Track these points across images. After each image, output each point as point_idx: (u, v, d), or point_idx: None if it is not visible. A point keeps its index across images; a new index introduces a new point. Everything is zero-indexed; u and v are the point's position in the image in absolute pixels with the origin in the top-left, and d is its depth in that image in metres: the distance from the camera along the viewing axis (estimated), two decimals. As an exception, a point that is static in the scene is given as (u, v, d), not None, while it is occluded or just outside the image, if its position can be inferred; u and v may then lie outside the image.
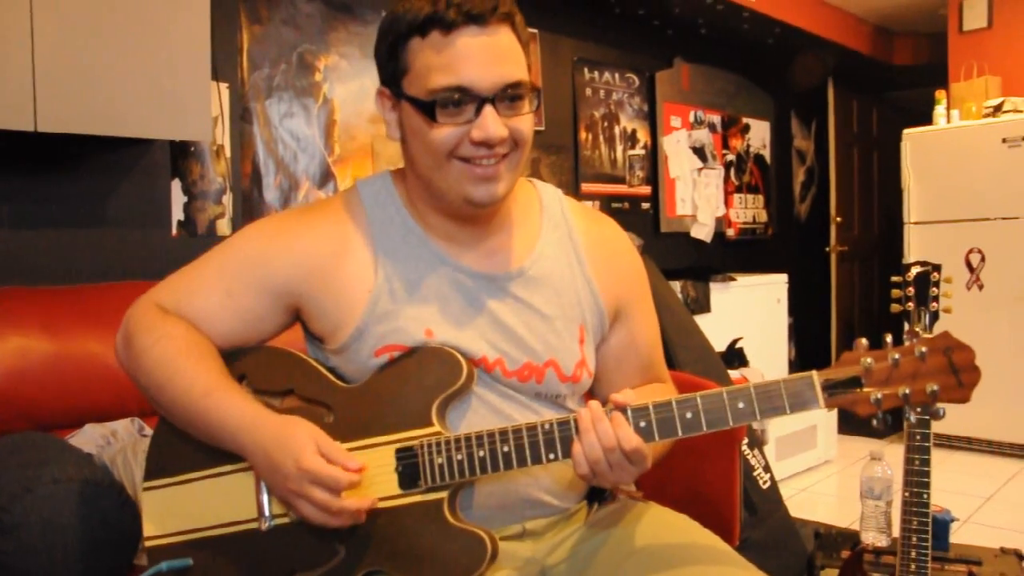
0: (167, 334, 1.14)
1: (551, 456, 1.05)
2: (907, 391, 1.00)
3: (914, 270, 1.66)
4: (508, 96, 1.08)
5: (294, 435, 1.05)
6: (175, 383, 1.11)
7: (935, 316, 1.64)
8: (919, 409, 1.02)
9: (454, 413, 1.13)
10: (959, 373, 0.99)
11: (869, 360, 1.00)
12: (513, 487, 1.15)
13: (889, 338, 1.03)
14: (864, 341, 1.02)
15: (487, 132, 1.06)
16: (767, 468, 2.51)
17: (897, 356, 1.00)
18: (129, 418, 1.95)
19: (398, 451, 1.08)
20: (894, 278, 1.68)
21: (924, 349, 0.99)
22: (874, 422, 1.02)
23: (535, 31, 3.85)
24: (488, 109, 1.06)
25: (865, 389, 1.00)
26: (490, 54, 1.06)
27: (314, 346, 1.22)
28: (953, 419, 4.09)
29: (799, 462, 3.95)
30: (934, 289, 1.64)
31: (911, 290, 1.65)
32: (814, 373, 1.00)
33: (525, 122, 1.11)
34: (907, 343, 1.01)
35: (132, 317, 1.18)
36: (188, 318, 1.16)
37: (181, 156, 2.62)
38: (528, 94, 1.10)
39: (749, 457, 2.44)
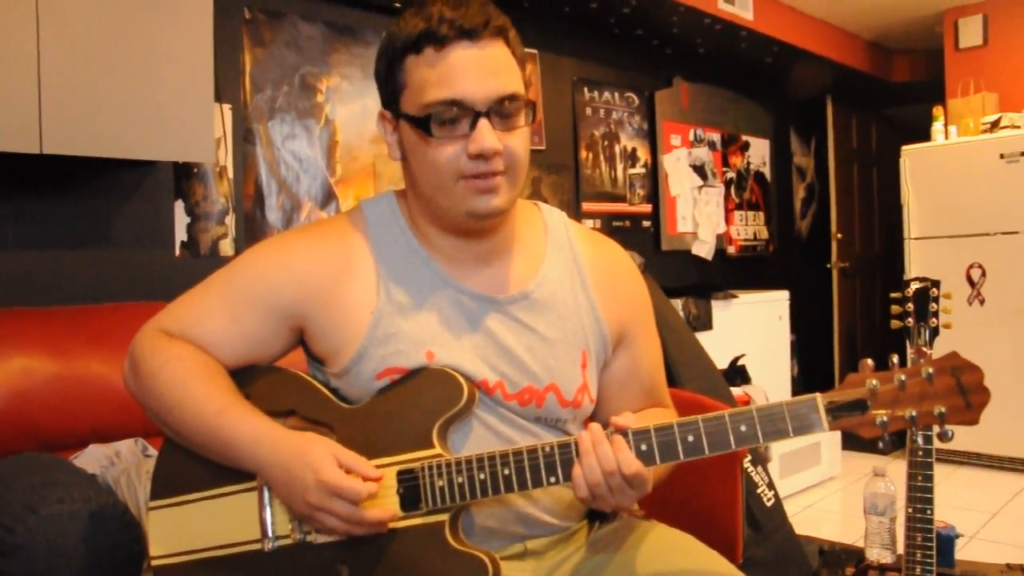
0: (175, 356, 1.14)
1: (552, 479, 1.05)
2: (914, 413, 0.98)
3: (913, 286, 1.67)
4: (503, 111, 1.08)
5: (312, 449, 1.06)
6: (186, 405, 1.11)
7: (935, 332, 1.64)
8: (926, 431, 1.01)
9: (456, 436, 1.13)
10: (967, 394, 0.97)
11: (875, 382, 0.98)
12: (513, 507, 1.14)
13: (896, 359, 1.01)
14: (870, 362, 1.00)
15: (482, 145, 1.06)
16: (771, 485, 2.50)
17: (903, 378, 0.98)
18: (133, 438, 1.95)
19: (400, 473, 1.08)
20: (893, 294, 1.68)
21: (931, 370, 0.97)
22: (880, 444, 1.00)
23: (535, 51, 3.88)
24: (483, 122, 1.06)
25: (871, 412, 0.98)
26: (483, 67, 1.07)
27: (316, 369, 1.22)
28: (958, 435, 4.06)
29: (803, 479, 3.93)
30: (933, 305, 1.64)
31: (911, 306, 1.66)
32: (818, 396, 0.99)
33: (521, 137, 1.11)
34: (913, 364, 0.99)
35: (138, 344, 1.18)
36: (194, 344, 1.17)
37: (184, 177, 2.63)
38: (523, 108, 1.10)
39: (753, 474, 2.43)
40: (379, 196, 1.24)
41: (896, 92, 6.01)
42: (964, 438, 4.26)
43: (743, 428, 1.00)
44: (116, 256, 2.47)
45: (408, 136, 1.12)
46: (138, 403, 1.19)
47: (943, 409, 0.97)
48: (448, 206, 1.12)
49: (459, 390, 1.10)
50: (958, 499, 3.74)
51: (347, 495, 1.03)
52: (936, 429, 0.99)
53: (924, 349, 1.58)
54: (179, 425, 1.13)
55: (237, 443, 1.09)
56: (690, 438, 1.02)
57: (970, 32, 4.82)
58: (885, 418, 0.98)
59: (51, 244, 2.34)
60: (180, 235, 2.63)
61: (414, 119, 1.09)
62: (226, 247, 2.74)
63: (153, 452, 1.92)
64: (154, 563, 1.17)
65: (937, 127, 4.54)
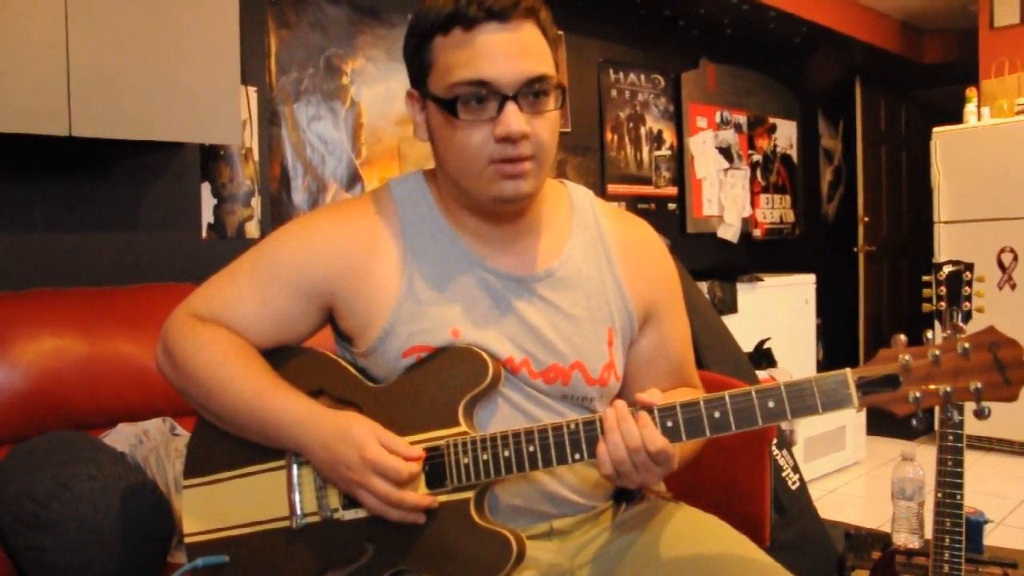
0: (210, 339, 1.15)
1: (576, 456, 1.05)
2: (948, 389, 0.94)
3: (946, 269, 1.64)
4: (532, 92, 1.07)
5: (355, 427, 1.07)
6: (225, 387, 1.12)
7: (967, 316, 1.61)
8: (957, 411, 0.98)
9: (481, 413, 1.13)
10: (1006, 370, 0.93)
11: (907, 357, 0.95)
12: (539, 486, 1.14)
13: (931, 334, 0.98)
14: (903, 337, 0.97)
15: (509, 128, 1.04)
16: (796, 469, 2.49)
17: (938, 353, 0.95)
18: (161, 417, 1.97)
19: (425, 450, 1.09)
20: (925, 278, 1.66)
21: (967, 345, 0.94)
22: (913, 422, 0.97)
23: (560, 32, 3.86)
24: (510, 106, 1.05)
25: (903, 388, 0.95)
26: (512, 49, 1.05)
27: (344, 348, 1.22)
28: (987, 420, 4.02)
29: (828, 463, 3.91)
30: (966, 288, 1.62)
31: (943, 289, 1.63)
32: (848, 371, 0.97)
33: (549, 121, 1.09)
34: (948, 339, 0.96)
35: (170, 328, 1.19)
36: (225, 327, 1.18)
37: (210, 159, 2.65)
38: (552, 90, 1.09)
39: (778, 458, 2.42)
40: (407, 175, 1.24)
41: (927, 73, 5.91)
42: (992, 424, 4.20)
43: (771, 404, 0.99)
44: (144, 238, 2.49)
45: (435, 117, 1.11)
46: (174, 388, 1.20)
47: (979, 385, 0.94)
48: (475, 190, 1.11)
49: (484, 368, 1.10)
50: (985, 485, 3.71)
51: (390, 474, 1.04)
52: (972, 406, 0.96)
53: (960, 324, 1.55)
54: (219, 408, 1.14)
55: (279, 423, 1.10)
56: (716, 414, 1.00)
57: (1007, 10, 4.71)
58: (918, 394, 0.95)
59: (80, 226, 2.36)
60: (207, 217, 2.65)
61: (441, 100, 1.08)
62: (252, 229, 2.75)
63: (181, 431, 1.94)
64: (187, 540, 1.19)
65: (970, 108, 4.46)
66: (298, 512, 1.13)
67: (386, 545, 1.10)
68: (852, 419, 4.03)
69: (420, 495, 1.07)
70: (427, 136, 1.16)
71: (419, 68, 1.12)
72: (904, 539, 1.96)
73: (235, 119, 2.30)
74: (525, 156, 1.07)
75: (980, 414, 0.96)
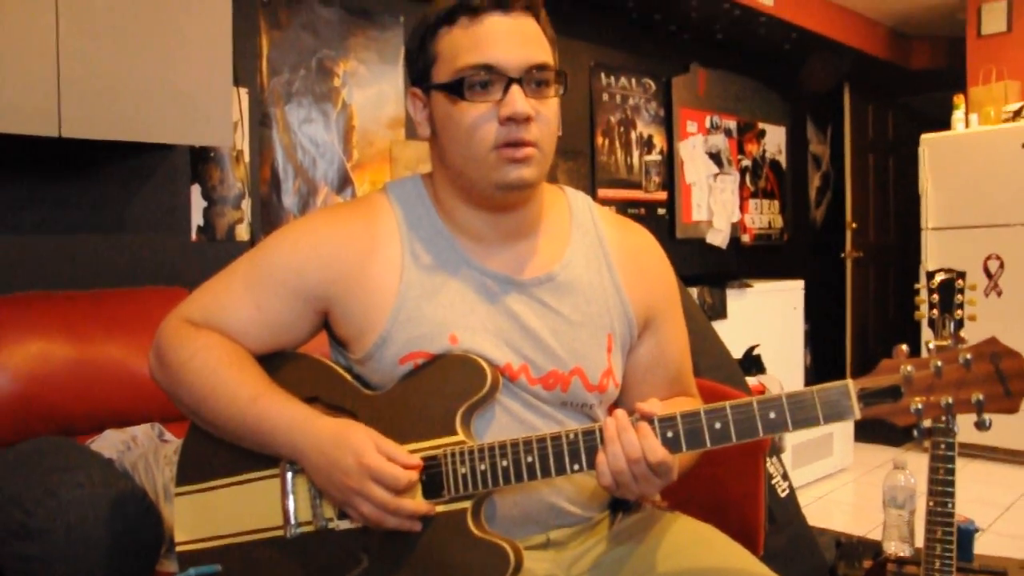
0: (203, 345, 1.13)
1: (575, 467, 1.04)
2: (950, 400, 0.94)
3: (939, 277, 1.65)
4: (535, 79, 1.09)
5: (353, 433, 1.06)
6: (219, 393, 1.11)
7: (959, 324, 1.62)
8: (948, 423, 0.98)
9: (479, 422, 1.12)
10: (1007, 381, 0.93)
11: (909, 368, 0.95)
12: (536, 496, 1.14)
13: (932, 344, 0.98)
14: (904, 348, 0.97)
15: (514, 108, 1.06)
16: (785, 476, 2.49)
17: (940, 363, 0.95)
18: (149, 423, 1.95)
19: (422, 460, 1.08)
20: (917, 285, 1.67)
21: (969, 356, 0.94)
22: (914, 433, 0.98)
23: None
24: (515, 88, 1.07)
25: (905, 399, 0.95)
26: (516, 36, 1.09)
27: (339, 354, 1.21)
28: (972, 428, 4.04)
29: (815, 470, 3.92)
30: (959, 296, 1.62)
31: (935, 297, 1.64)
32: (849, 382, 0.97)
33: (552, 106, 1.12)
34: (949, 349, 0.96)
35: (163, 334, 1.18)
36: (220, 332, 1.16)
37: (201, 161, 2.63)
38: (555, 78, 1.12)
39: (768, 465, 2.42)
40: (404, 178, 1.24)
41: (915, 80, 5.95)
42: (979, 432, 4.22)
43: (772, 415, 0.98)
44: (133, 240, 2.47)
45: (440, 107, 1.12)
46: (167, 395, 1.18)
47: (981, 397, 0.94)
48: (478, 177, 1.11)
49: (482, 376, 1.09)
50: (972, 492, 3.73)
51: (388, 481, 1.03)
52: (974, 418, 0.96)
53: (961, 335, 1.55)
54: (212, 415, 1.13)
55: (274, 429, 1.09)
56: (717, 425, 1.00)
57: (994, 18, 4.75)
58: (920, 405, 0.95)
59: (68, 228, 2.33)
60: (196, 219, 2.62)
61: (446, 85, 1.09)
62: (242, 232, 2.73)
63: (170, 437, 1.93)
64: (179, 548, 1.18)
65: (958, 115, 4.49)
66: (292, 521, 1.12)
67: (381, 555, 1.09)
68: (840, 425, 4.04)
69: (418, 502, 1.06)
70: (429, 132, 1.16)
71: (423, 63, 1.13)
72: (895, 547, 1.96)
73: (226, 121, 2.28)
74: (529, 140, 1.09)
75: (981, 426, 0.96)
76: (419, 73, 1.15)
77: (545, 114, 1.10)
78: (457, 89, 1.08)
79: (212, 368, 1.12)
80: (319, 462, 1.06)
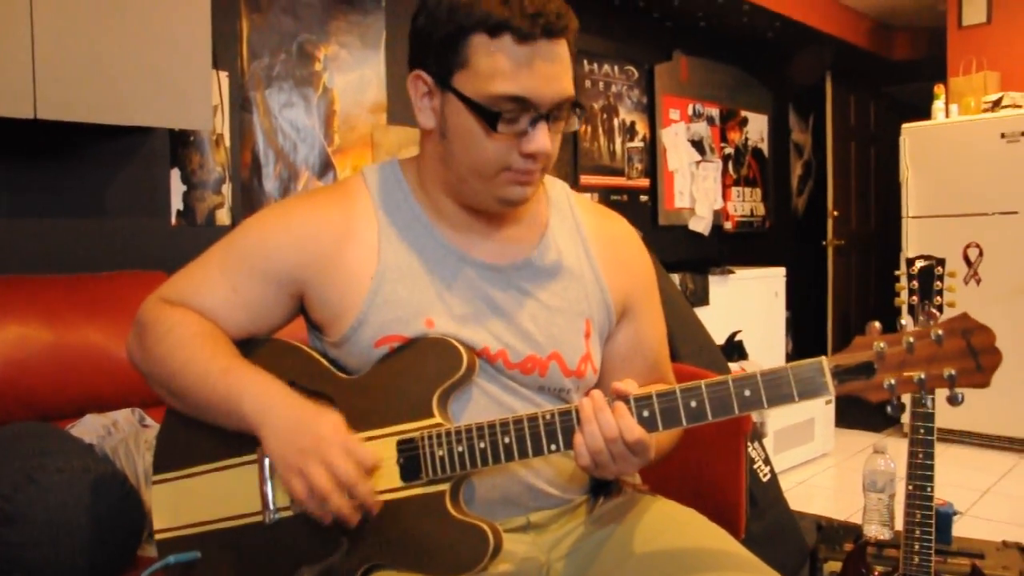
0: (178, 321, 1.14)
1: (553, 447, 1.04)
2: (923, 376, 0.95)
3: (918, 264, 1.66)
4: (559, 114, 1.09)
5: (322, 419, 1.05)
6: (190, 368, 1.10)
7: (939, 310, 1.63)
8: (931, 400, 0.99)
9: (456, 405, 1.12)
10: (978, 356, 0.94)
11: (882, 344, 0.95)
12: (515, 478, 1.14)
13: (905, 321, 0.99)
14: (877, 325, 0.97)
15: (539, 145, 1.06)
16: (767, 461, 2.51)
17: (912, 340, 0.95)
18: (130, 408, 1.94)
19: (399, 443, 1.07)
20: (897, 272, 1.68)
21: (941, 332, 0.95)
22: (888, 409, 0.98)
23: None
24: (543, 125, 1.06)
25: (878, 375, 0.96)
26: (555, 69, 1.05)
27: (315, 337, 1.20)
28: (951, 413, 4.09)
29: (797, 455, 3.96)
30: (938, 283, 1.64)
31: (915, 284, 1.65)
32: (823, 359, 0.97)
33: (559, 136, 1.12)
34: (922, 326, 0.96)
35: (141, 314, 1.18)
36: (197, 312, 1.16)
37: (180, 145, 2.60)
38: (572, 111, 1.10)
39: (750, 450, 2.44)
40: (381, 163, 1.23)
41: (896, 70, 5.98)
42: (957, 416, 4.28)
43: (747, 393, 0.98)
44: (111, 224, 2.45)
45: (458, 115, 1.08)
46: (142, 373, 1.17)
47: (953, 371, 0.94)
48: (481, 189, 1.11)
49: (458, 358, 1.08)
50: (950, 477, 3.77)
51: (360, 454, 1.03)
52: (946, 392, 0.96)
53: (933, 311, 1.56)
54: (183, 388, 1.12)
55: (241, 397, 1.07)
56: (693, 403, 1.00)
57: (974, 10, 4.79)
58: (893, 381, 0.95)
59: (46, 212, 2.31)
60: (176, 204, 2.60)
61: (477, 106, 1.05)
62: (222, 216, 2.71)
63: (150, 422, 1.91)
64: (157, 536, 1.17)
65: (938, 105, 4.52)
66: (271, 506, 1.11)
67: (361, 539, 1.09)
68: (821, 411, 4.08)
69: (372, 492, 1.04)
70: (433, 123, 1.12)
71: (446, 59, 1.07)
72: (875, 531, 1.98)
73: (206, 104, 2.25)
74: (538, 169, 1.10)
75: (953, 400, 0.96)
76: (437, 65, 1.08)
77: (555, 143, 1.10)
78: (491, 118, 1.05)
79: (185, 342, 1.11)
80: (289, 425, 1.04)
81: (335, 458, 1.02)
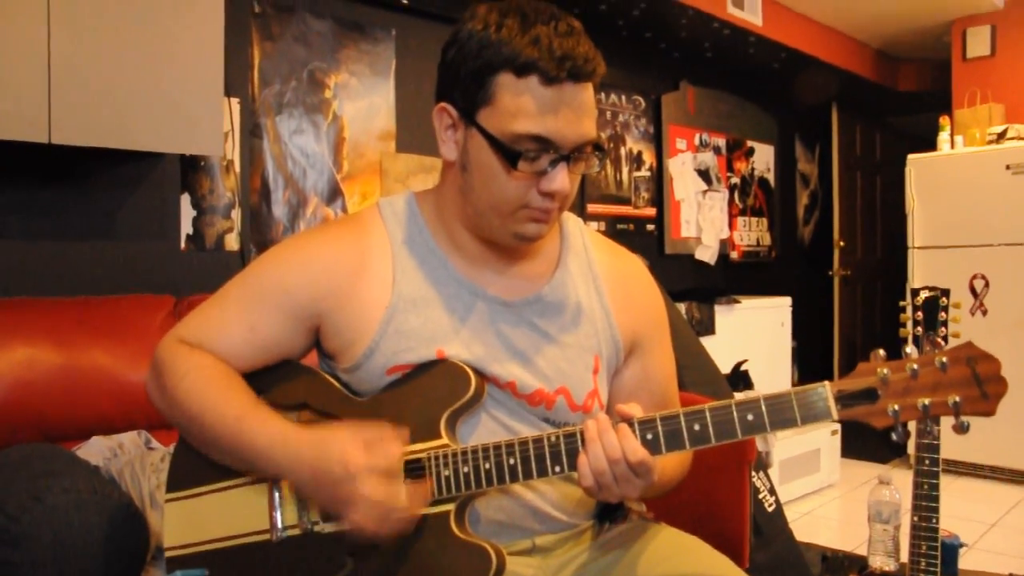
0: (195, 365, 1.14)
1: (557, 468, 1.05)
2: (927, 403, 0.95)
3: (923, 295, 1.66)
4: (580, 156, 1.09)
5: (333, 442, 1.05)
6: (207, 414, 1.11)
7: (944, 341, 1.63)
8: (936, 431, 0.98)
9: (464, 428, 1.13)
10: (983, 384, 0.94)
11: (886, 371, 0.96)
12: (521, 501, 1.14)
13: (910, 350, 0.99)
14: (882, 352, 0.97)
15: (558, 186, 1.07)
16: (772, 491, 2.50)
17: (916, 367, 0.95)
18: (136, 431, 1.94)
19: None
20: (902, 303, 1.68)
21: (945, 359, 0.94)
22: (892, 436, 0.97)
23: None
24: (563, 166, 1.07)
25: (881, 401, 0.96)
26: (579, 112, 1.07)
27: (326, 364, 1.22)
28: (957, 444, 4.07)
29: (802, 485, 3.93)
30: (943, 314, 1.64)
31: (919, 315, 1.65)
32: (827, 383, 0.97)
33: (579, 177, 1.13)
34: (926, 354, 0.96)
35: (159, 355, 1.18)
36: (212, 354, 1.17)
37: (191, 170, 2.63)
38: (592, 153, 1.11)
39: (754, 479, 2.43)
40: (397, 196, 1.25)
41: (901, 101, 6.02)
42: (964, 448, 4.26)
43: (750, 417, 0.99)
44: (121, 248, 2.47)
45: (481, 152, 1.09)
46: (164, 417, 1.19)
47: (958, 399, 0.94)
48: (498, 225, 1.12)
49: (467, 382, 1.10)
50: (957, 509, 3.74)
51: (380, 463, 1.02)
52: (951, 421, 0.96)
53: (939, 341, 1.56)
54: (201, 434, 1.13)
55: (254, 446, 1.08)
56: (696, 427, 1.01)
57: (978, 42, 4.82)
58: (896, 407, 0.95)
59: (57, 235, 2.33)
60: (186, 228, 2.62)
61: (500, 144, 1.06)
62: (231, 241, 2.73)
63: (156, 444, 1.92)
64: (167, 554, 1.18)
65: (943, 137, 4.54)
66: (279, 525, 1.12)
67: (366, 558, 1.09)
68: (827, 441, 4.06)
69: (407, 508, 1.04)
70: (455, 156, 1.13)
71: (472, 94, 1.08)
72: (880, 562, 1.97)
73: (217, 130, 2.28)
74: (556, 208, 1.11)
75: (960, 428, 0.96)
76: (462, 99, 1.10)
77: (574, 182, 1.11)
78: (512, 157, 1.06)
79: (201, 387, 1.12)
80: (306, 475, 1.06)
81: (361, 494, 1.01)
